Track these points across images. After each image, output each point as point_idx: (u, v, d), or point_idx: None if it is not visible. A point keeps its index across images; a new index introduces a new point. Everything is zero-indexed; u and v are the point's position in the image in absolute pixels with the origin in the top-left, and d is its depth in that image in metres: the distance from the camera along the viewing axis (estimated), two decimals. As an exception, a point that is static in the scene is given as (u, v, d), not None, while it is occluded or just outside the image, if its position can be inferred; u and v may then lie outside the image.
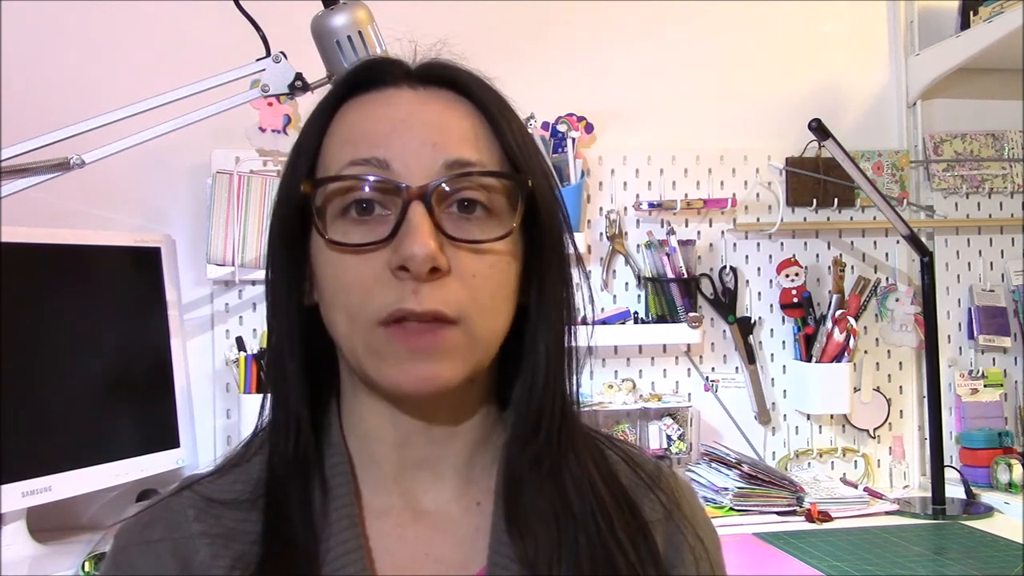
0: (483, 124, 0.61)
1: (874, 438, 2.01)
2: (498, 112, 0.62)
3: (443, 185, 0.57)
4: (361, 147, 0.59)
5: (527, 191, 0.60)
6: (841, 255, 2.00)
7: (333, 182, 0.59)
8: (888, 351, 2.03)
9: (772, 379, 1.99)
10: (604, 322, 1.89)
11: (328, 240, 0.58)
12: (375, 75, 0.63)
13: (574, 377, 0.65)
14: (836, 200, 1.98)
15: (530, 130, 1.79)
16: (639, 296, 1.95)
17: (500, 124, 0.62)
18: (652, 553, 0.63)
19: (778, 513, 1.72)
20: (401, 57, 0.65)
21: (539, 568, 0.59)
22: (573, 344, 0.65)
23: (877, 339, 2.02)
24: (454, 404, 0.63)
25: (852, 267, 2.01)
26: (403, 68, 0.63)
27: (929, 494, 1.84)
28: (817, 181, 1.98)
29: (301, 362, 0.63)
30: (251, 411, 1.68)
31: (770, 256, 2.00)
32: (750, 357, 1.96)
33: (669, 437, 1.88)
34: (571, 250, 0.65)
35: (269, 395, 0.64)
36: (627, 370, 1.95)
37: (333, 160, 0.60)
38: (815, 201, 1.99)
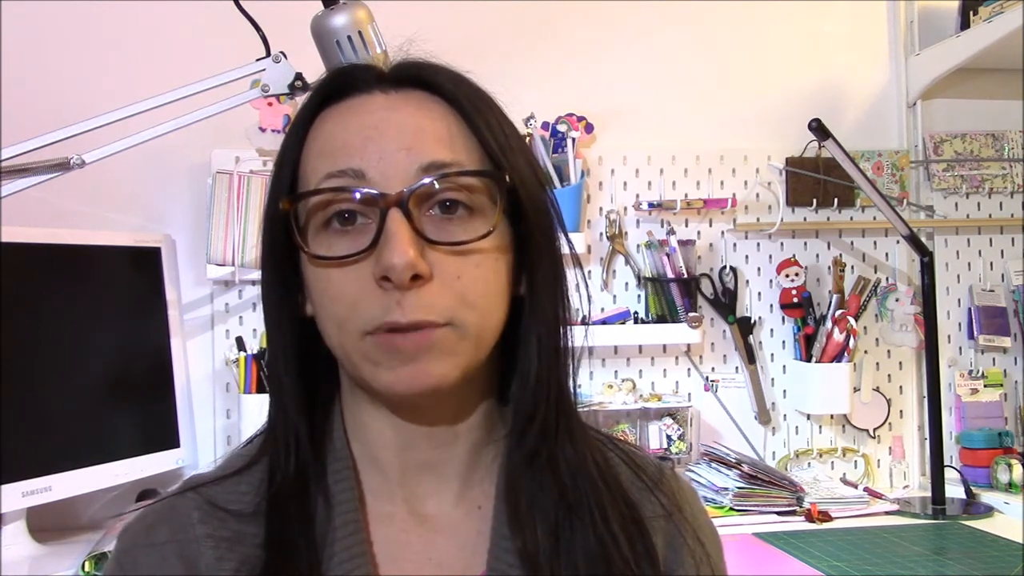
0: (459, 122, 0.61)
1: (874, 438, 2.01)
2: (473, 109, 0.61)
3: (420, 189, 0.57)
4: (337, 159, 0.59)
5: (507, 187, 0.60)
6: (841, 255, 2.00)
7: (310, 197, 0.59)
8: (888, 351, 2.03)
9: (772, 379, 1.99)
10: (604, 322, 1.89)
11: (311, 255, 0.58)
12: (347, 82, 0.62)
13: (570, 370, 0.65)
14: (836, 200, 1.98)
15: (530, 130, 1.82)
16: (639, 296, 1.95)
17: (476, 121, 0.61)
18: (648, 550, 0.62)
19: (778, 513, 1.72)
20: (397, 58, 0.64)
21: (539, 564, 0.59)
22: (569, 336, 0.64)
23: (877, 339, 2.02)
24: (453, 405, 0.63)
25: (852, 267, 2.01)
26: (375, 73, 0.63)
27: (929, 494, 1.84)
28: (817, 181, 1.98)
29: (298, 375, 0.63)
30: (251, 411, 1.69)
31: (770, 256, 2.00)
32: (750, 357, 1.96)
33: (669, 437, 1.88)
34: (563, 241, 0.65)
35: (269, 404, 0.65)
36: (627, 370, 1.95)
37: (311, 174, 0.60)
38: (815, 201, 1.99)
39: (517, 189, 0.61)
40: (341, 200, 0.58)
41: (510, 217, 0.61)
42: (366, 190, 0.57)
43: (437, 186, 0.58)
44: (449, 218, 0.58)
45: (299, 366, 0.63)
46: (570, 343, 0.64)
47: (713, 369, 1.98)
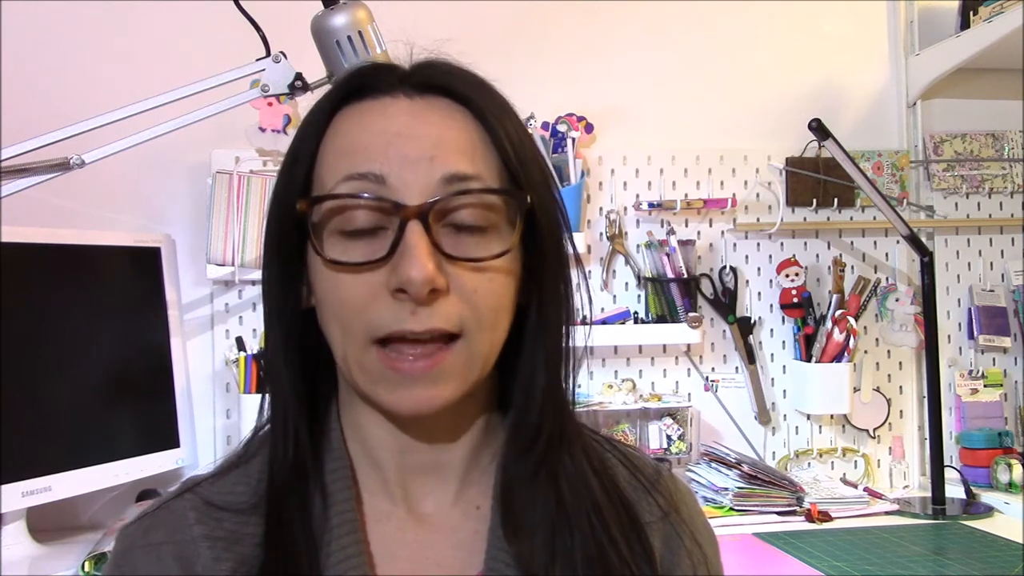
0: (480, 133, 0.61)
1: (874, 438, 2.01)
2: (496, 120, 0.61)
3: (440, 203, 0.57)
4: (357, 160, 0.58)
5: (526, 207, 0.60)
6: (841, 255, 2.00)
7: (329, 200, 0.58)
8: (888, 351, 2.02)
9: (772, 379, 1.99)
10: (604, 322, 1.89)
11: (326, 259, 0.58)
12: (370, 82, 0.62)
13: (571, 378, 0.65)
14: (836, 200, 1.98)
15: (530, 130, 1.81)
16: (639, 296, 1.95)
17: (498, 132, 0.61)
18: (647, 553, 0.62)
19: (778, 513, 1.72)
20: (401, 59, 0.64)
21: (535, 568, 0.59)
22: (571, 345, 0.64)
23: (877, 339, 2.02)
24: (453, 417, 0.63)
25: (852, 267, 2.01)
26: (398, 74, 0.62)
27: (929, 494, 1.84)
28: (817, 181, 1.98)
29: (297, 370, 0.63)
30: (251, 411, 1.67)
31: (770, 256, 2.00)
32: (750, 357, 1.96)
33: (669, 437, 1.88)
34: (571, 252, 0.65)
35: (268, 401, 0.64)
36: (627, 370, 1.95)
37: (329, 173, 0.59)
38: (815, 201, 1.99)
39: (535, 206, 0.60)
40: (360, 207, 0.57)
41: (523, 232, 0.60)
42: (387, 197, 0.57)
43: (457, 202, 0.57)
44: (466, 234, 0.58)
45: (299, 360, 0.63)
46: (572, 350, 0.64)
47: (713, 369, 1.98)
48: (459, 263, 0.57)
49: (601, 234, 1.94)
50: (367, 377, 0.58)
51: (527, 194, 0.60)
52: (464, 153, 0.59)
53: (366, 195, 0.57)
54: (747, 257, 1.99)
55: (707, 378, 1.97)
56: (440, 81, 0.62)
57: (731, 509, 1.72)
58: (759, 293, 2.00)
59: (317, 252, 0.58)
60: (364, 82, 0.62)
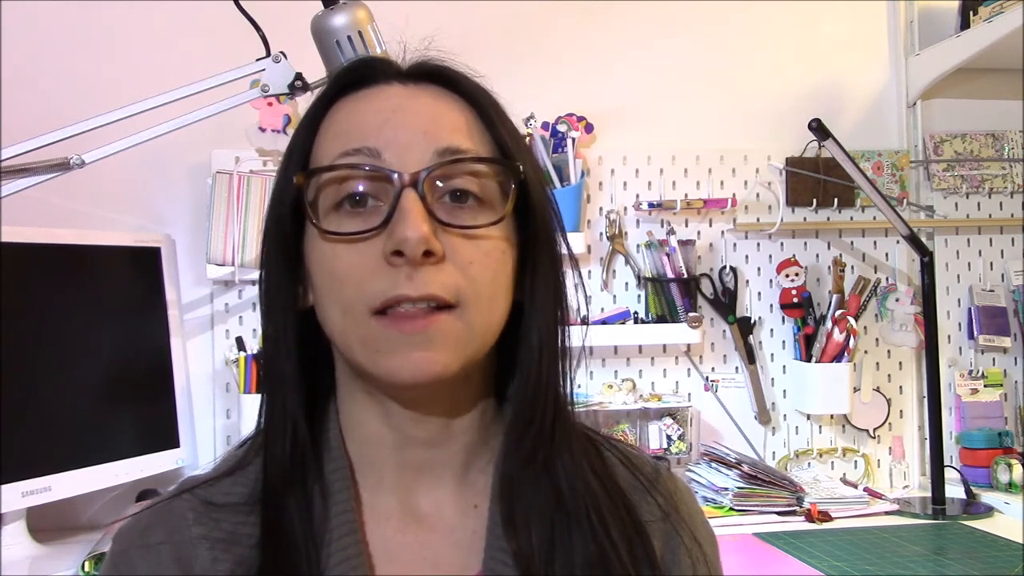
0: (474, 116, 0.62)
1: (874, 438, 2.01)
2: (488, 105, 0.63)
3: (435, 172, 0.58)
4: (352, 138, 0.59)
5: (519, 178, 0.60)
6: (841, 255, 2.00)
7: (326, 172, 0.59)
8: (888, 351, 2.02)
9: (772, 379, 1.99)
10: (604, 322, 1.89)
11: (322, 230, 0.58)
12: (366, 73, 0.63)
13: (569, 372, 0.65)
14: (836, 200, 1.98)
15: (530, 130, 1.82)
16: (639, 296, 1.95)
17: (491, 116, 0.62)
18: (647, 552, 0.62)
19: (778, 513, 1.72)
20: (398, 57, 0.65)
21: (534, 566, 0.59)
22: (567, 338, 0.64)
23: (877, 339, 2.02)
24: (450, 399, 0.62)
25: (852, 267, 2.01)
26: (393, 67, 0.64)
27: (929, 494, 1.84)
28: (817, 181, 1.98)
29: (297, 365, 0.63)
30: (251, 411, 1.68)
31: (770, 256, 2.00)
32: (750, 357, 1.96)
33: (669, 437, 1.88)
34: (563, 246, 0.65)
35: (265, 399, 0.64)
36: (627, 370, 1.95)
37: (325, 154, 0.60)
38: (815, 201, 1.99)
39: (527, 184, 0.61)
40: (355, 178, 0.58)
41: (516, 214, 0.61)
42: (381, 167, 0.58)
43: (451, 171, 0.58)
44: (460, 206, 0.59)
45: (297, 358, 0.63)
46: (568, 345, 0.65)
47: (713, 369, 1.98)
48: (454, 231, 0.58)
49: (601, 234, 1.94)
50: (369, 349, 0.57)
51: (519, 163, 0.61)
52: (459, 129, 0.60)
53: (362, 166, 0.58)
54: (747, 257, 1.99)
55: (707, 378, 1.97)
56: (433, 70, 0.63)
57: (731, 509, 1.72)
58: (759, 293, 2.00)
59: (313, 223, 0.59)
60: (360, 74, 0.63)
